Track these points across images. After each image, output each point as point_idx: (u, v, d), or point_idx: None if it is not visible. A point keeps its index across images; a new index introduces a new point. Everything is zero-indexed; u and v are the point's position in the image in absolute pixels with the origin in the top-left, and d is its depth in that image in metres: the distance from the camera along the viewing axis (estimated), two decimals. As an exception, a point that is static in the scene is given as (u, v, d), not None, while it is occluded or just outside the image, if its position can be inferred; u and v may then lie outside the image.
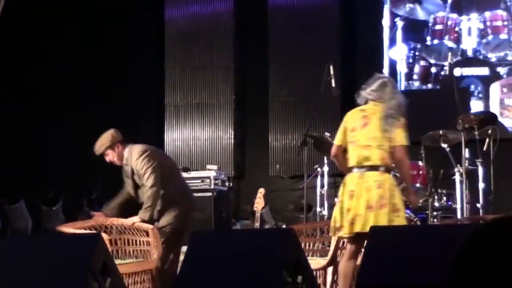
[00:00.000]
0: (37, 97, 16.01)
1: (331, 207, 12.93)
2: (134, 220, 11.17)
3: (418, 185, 12.67)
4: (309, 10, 15.32)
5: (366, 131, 10.05)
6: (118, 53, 15.90)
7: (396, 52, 14.66)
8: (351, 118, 10.14)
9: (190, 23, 15.69)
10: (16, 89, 16.19)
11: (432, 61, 14.46)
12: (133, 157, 11.28)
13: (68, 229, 11.25)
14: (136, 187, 11.40)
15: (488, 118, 12.46)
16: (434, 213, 12.75)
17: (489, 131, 12.31)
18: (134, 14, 16.06)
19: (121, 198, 11.65)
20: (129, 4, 15.99)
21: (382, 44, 14.95)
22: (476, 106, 14.22)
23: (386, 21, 14.74)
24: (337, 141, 10.12)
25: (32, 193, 14.94)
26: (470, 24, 14.41)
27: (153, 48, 15.99)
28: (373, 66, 14.80)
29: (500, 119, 13.78)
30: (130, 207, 11.63)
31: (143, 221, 11.09)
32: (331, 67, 12.96)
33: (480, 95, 14.18)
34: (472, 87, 14.25)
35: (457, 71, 14.15)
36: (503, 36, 14.25)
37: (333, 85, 13.06)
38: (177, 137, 15.64)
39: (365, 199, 9.72)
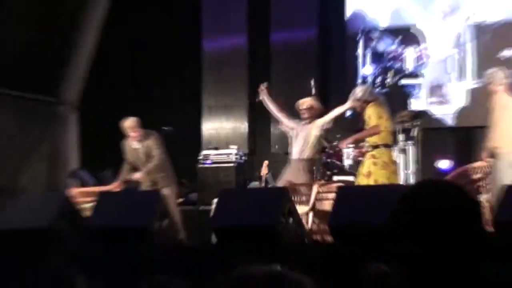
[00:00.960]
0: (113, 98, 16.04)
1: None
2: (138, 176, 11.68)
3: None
4: (300, 44, 15.29)
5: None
6: (167, 71, 15.88)
7: (366, 70, 14.70)
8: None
9: (219, 53, 15.67)
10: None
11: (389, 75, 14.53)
12: (151, 138, 11.64)
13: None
14: (139, 162, 11.63)
15: (416, 114, 12.48)
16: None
17: (416, 123, 12.34)
18: (182, 45, 16.04)
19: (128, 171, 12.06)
20: (177, 37, 15.96)
21: (350, 66, 14.94)
22: (415, 102, 14.27)
23: (360, 50, 14.75)
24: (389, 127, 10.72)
25: (116, 163, 14.89)
26: (411, 52, 14.43)
27: (194, 66, 15.91)
28: (344, 81, 14.91)
29: (429, 107, 13.96)
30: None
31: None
32: (313, 81, 12.97)
33: (417, 95, 14.23)
34: (412, 91, 14.30)
35: (405, 81, 14.27)
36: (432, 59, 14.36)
37: (313, 91, 13.05)
38: (211, 127, 15.63)
39: None
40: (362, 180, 10.56)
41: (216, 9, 15.66)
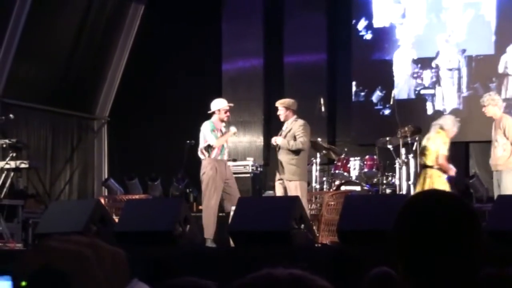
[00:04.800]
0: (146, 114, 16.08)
1: (321, 183, 12.98)
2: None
3: (374, 170, 12.64)
4: (311, 67, 15.34)
5: None
6: (190, 89, 15.91)
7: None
8: None
9: (237, 73, 15.70)
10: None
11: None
12: (298, 123, 10.92)
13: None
14: None
15: (416, 130, 12.41)
16: (384, 187, 12.75)
17: (417, 138, 12.29)
18: (204, 66, 16.08)
19: None
20: (199, 59, 16.00)
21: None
22: (430, 105, 14.76)
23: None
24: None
25: (142, 173, 14.97)
26: (428, 72, 14.80)
27: (214, 85, 15.93)
28: (347, 101, 14.98)
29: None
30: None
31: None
32: (322, 100, 12.99)
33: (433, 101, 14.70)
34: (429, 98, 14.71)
35: (423, 91, 14.80)
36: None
37: (323, 109, 13.09)
38: (229, 140, 15.55)
39: None
40: None
41: (235, 34, 15.72)
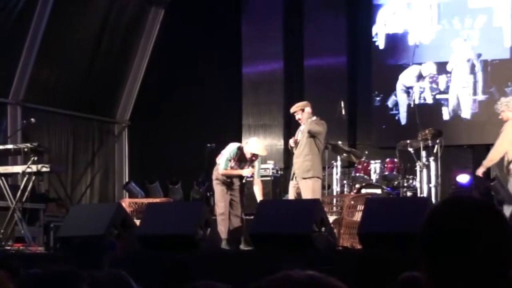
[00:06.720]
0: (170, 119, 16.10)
1: (342, 186, 12.95)
2: None
3: (395, 172, 12.60)
4: (331, 69, 15.29)
5: None
6: (211, 93, 15.94)
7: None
8: None
9: (258, 77, 15.68)
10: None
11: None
12: (314, 121, 11.09)
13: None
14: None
15: (436, 133, 12.39)
16: (404, 189, 12.70)
17: (438, 141, 12.27)
18: (224, 70, 16.08)
19: None
20: (219, 63, 16.00)
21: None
22: (445, 110, 14.67)
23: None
24: None
25: (163, 177, 14.99)
26: (443, 77, 14.70)
27: (235, 89, 15.94)
28: (367, 104, 14.93)
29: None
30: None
31: None
32: (342, 103, 12.95)
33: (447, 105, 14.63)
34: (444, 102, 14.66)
35: (439, 96, 14.77)
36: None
37: (343, 113, 13.05)
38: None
39: None
40: None
41: (255, 38, 15.70)
